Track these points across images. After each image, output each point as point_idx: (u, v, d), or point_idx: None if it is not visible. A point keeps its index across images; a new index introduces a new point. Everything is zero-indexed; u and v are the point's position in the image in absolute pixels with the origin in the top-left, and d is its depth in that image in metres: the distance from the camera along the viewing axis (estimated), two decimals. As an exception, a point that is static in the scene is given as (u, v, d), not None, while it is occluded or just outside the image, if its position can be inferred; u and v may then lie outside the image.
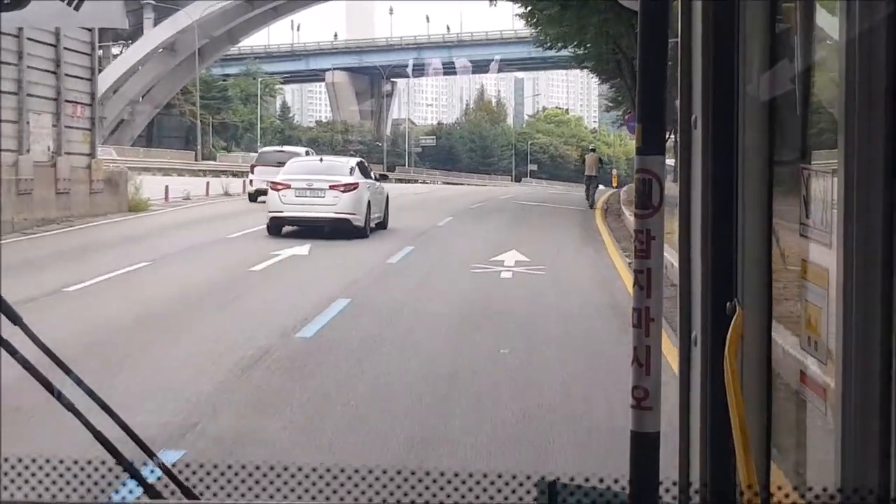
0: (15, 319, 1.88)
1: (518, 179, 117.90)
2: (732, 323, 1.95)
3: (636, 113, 1.99)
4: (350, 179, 22.85)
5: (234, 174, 71.14)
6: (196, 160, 77.54)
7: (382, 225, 24.47)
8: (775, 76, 1.99)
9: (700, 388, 2.00)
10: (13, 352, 1.82)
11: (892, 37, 1.70)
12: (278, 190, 22.51)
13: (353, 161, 25.40)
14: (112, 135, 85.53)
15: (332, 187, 22.39)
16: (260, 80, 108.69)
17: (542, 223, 29.30)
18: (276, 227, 22.23)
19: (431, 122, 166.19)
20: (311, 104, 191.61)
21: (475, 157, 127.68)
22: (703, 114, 1.96)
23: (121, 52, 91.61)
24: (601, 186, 44.26)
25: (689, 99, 1.99)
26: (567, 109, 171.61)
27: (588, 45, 41.61)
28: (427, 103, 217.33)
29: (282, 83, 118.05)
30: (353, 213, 22.29)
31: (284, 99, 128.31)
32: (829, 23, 1.96)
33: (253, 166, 34.30)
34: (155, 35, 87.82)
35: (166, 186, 34.13)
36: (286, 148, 38.25)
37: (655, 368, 2.01)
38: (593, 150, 42.51)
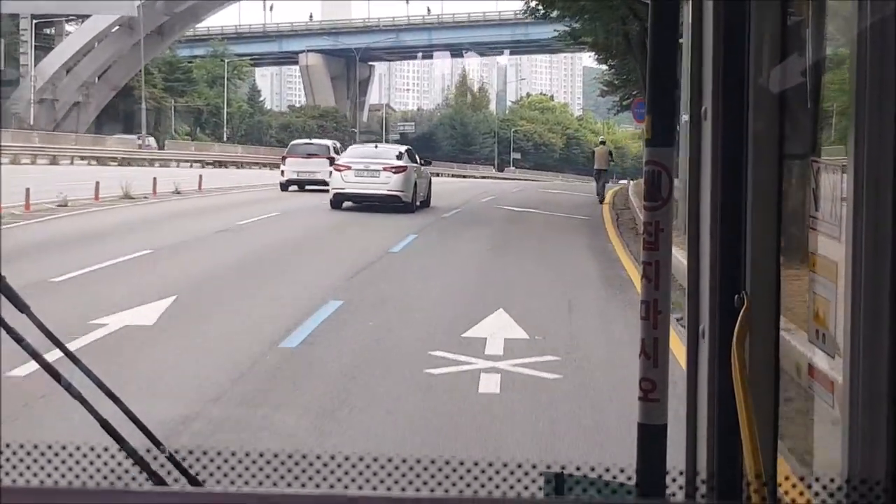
0: (22, 308, 1.96)
1: (501, 169, 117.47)
2: (740, 315, 2.05)
3: (646, 104, 2.08)
4: (400, 163, 28.98)
5: (205, 163, 69.09)
6: (142, 148, 73.51)
7: (426, 203, 30.36)
8: (786, 69, 2.08)
9: (707, 381, 2.09)
10: (20, 339, 1.90)
11: None
12: (340, 171, 28.82)
13: (403, 148, 31.58)
14: (65, 119, 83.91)
15: (385, 169, 28.47)
16: (227, 61, 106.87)
17: (542, 247, 21.20)
18: (338, 202, 28.57)
19: (412, 107, 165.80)
20: (290, 89, 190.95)
21: (456, 144, 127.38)
22: (713, 105, 2.05)
23: (74, 28, 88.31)
24: (624, 181, 43.65)
25: (700, 90, 2.07)
26: (552, 96, 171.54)
27: (596, 14, 36.39)
28: (406, 88, 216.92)
29: (251, 65, 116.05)
30: (402, 191, 28.38)
31: (255, 82, 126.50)
32: (840, 15, 2.05)
33: (284, 157, 38.51)
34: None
35: (27, 189, 24.15)
36: (314, 141, 43.42)
37: (663, 360, 2.10)
38: (603, 143, 41.26)
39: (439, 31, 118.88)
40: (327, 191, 29.94)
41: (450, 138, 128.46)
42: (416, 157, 31.07)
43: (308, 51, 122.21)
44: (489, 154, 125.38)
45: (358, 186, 28.53)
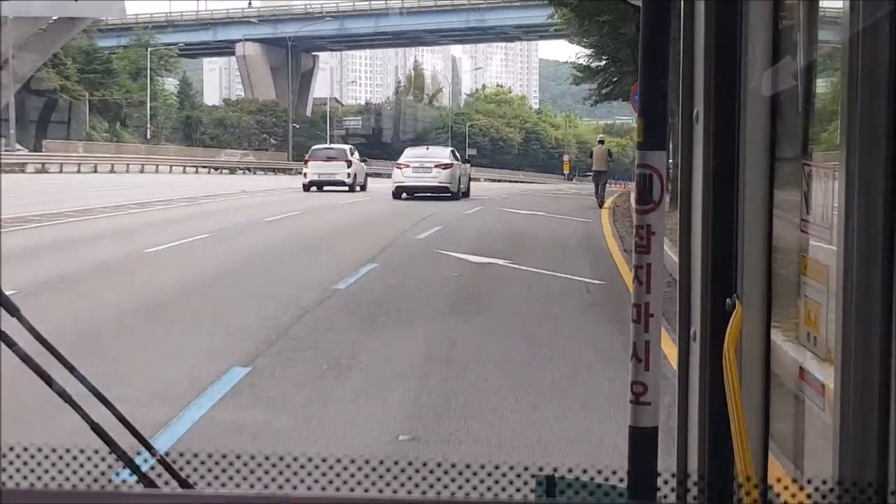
0: (12, 311, 2.08)
1: None
2: (732, 319, 2.20)
3: (638, 107, 2.23)
4: (447, 161, 40.82)
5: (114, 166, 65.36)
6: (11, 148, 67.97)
7: (466, 194, 42.04)
8: (778, 71, 2.23)
9: (699, 384, 2.24)
10: (11, 344, 2.02)
11: (895, 33, 1.94)
12: (401, 168, 40.75)
13: (449, 149, 44.74)
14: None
15: (436, 166, 40.09)
16: (151, 50, 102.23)
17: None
18: (399, 193, 39.83)
19: (364, 102, 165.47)
20: (239, 83, 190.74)
21: (406, 140, 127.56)
22: (704, 108, 2.20)
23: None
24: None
25: (691, 93, 2.23)
26: (509, 88, 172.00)
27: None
28: (352, 81, 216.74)
29: (180, 55, 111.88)
30: (450, 184, 40.06)
31: (185, 74, 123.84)
32: (832, 19, 2.21)
33: (307, 161, 47.56)
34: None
35: None
36: (334, 146, 54.28)
37: (655, 364, 2.25)
38: (601, 143, 40.21)
39: (387, 18, 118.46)
40: (346, 190, 43.61)
41: (401, 134, 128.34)
42: (458, 155, 42.83)
43: (245, 40, 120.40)
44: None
45: (415, 180, 39.81)
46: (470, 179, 43.64)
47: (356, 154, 48.72)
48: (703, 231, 2.23)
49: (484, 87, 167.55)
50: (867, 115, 1.96)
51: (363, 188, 46.50)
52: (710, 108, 2.20)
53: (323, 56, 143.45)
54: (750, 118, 2.20)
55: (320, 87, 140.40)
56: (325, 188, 45.64)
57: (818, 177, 2.16)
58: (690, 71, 2.23)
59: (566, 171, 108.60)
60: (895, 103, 1.92)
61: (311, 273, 16.92)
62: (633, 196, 32.62)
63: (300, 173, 51.34)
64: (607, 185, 39.30)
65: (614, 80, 47.68)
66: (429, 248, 21.77)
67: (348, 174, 45.28)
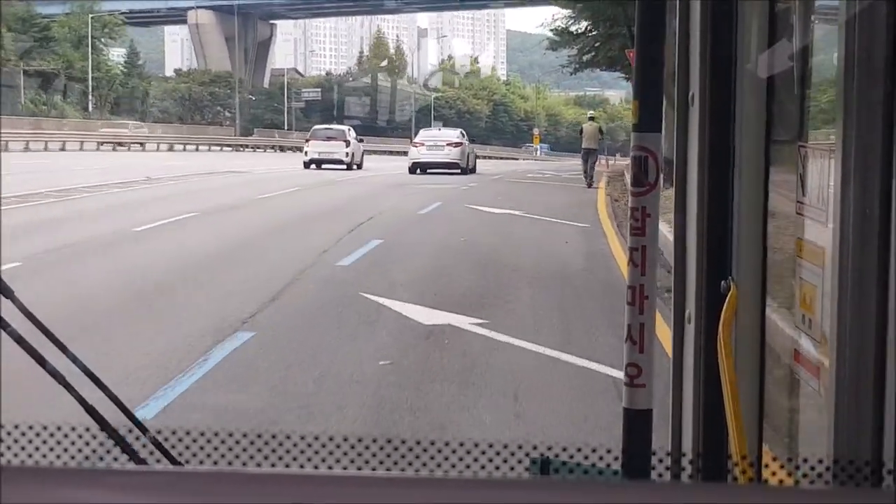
0: (6, 293, 2.16)
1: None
2: (727, 301, 2.30)
3: (633, 89, 2.32)
4: (457, 140, 47.63)
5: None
6: None
7: (473, 170, 48.22)
8: (774, 53, 2.32)
9: (693, 365, 2.34)
10: (4, 326, 2.10)
11: (892, 15, 2.03)
12: (416, 147, 47.15)
13: (459, 130, 51.24)
14: None
15: (447, 144, 46.64)
16: (94, 17, 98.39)
17: None
18: (415, 169, 45.58)
19: (326, 73, 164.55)
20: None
21: (370, 113, 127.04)
22: (700, 90, 2.29)
23: None
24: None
25: (687, 75, 2.32)
26: (476, 58, 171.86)
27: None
28: (311, 50, 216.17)
29: (126, 23, 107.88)
30: (459, 160, 46.33)
31: (132, 43, 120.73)
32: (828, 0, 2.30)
33: (308, 140, 52.91)
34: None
35: None
36: (333, 126, 58.35)
37: (649, 346, 2.35)
38: (592, 119, 39.63)
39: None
40: (344, 168, 48.83)
41: (363, 106, 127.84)
42: (465, 135, 50.26)
43: (197, 7, 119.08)
44: (408, 123, 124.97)
45: (429, 157, 46.24)
46: (476, 157, 51.24)
47: (353, 134, 53.92)
48: (698, 213, 2.32)
49: (450, 57, 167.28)
50: (863, 97, 2.04)
51: (360, 166, 51.50)
52: (706, 90, 2.29)
53: (286, 27, 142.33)
54: (746, 100, 2.29)
55: (284, 59, 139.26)
56: (323, 166, 50.44)
57: (814, 159, 2.25)
58: (686, 53, 2.32)
59: (536, 145, 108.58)
60: (892, 84, 2.01)
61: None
62: (627, 178, 33.07)
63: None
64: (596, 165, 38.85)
65: (597, 44, 45.76)
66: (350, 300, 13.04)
67: (346, 153, 50.84)
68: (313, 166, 50.34)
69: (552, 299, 13.46)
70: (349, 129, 54.85)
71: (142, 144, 76.70)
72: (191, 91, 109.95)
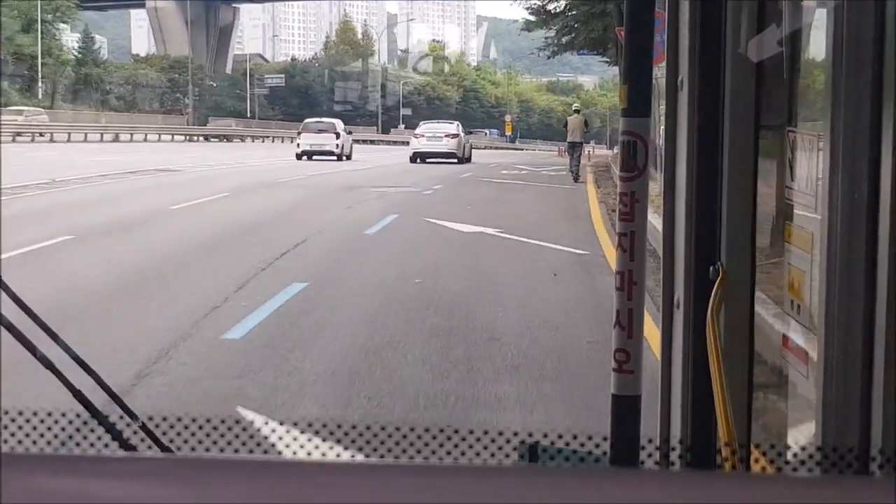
0: (-7, 278, 2.21)
1: (386, 130, 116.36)
2: (715, 286, 2.36)
3: (622, 74, 2.38)
4: (454, 132, 53.51)
5: None
6: None
7: (469, 159, 54.61)
8: (763, 39, 2.39)
9: (682, 351, 2.41)
10: None
11: (881, 0, 2.09)
12: (417, 138, 53.14)
13: (455, 123, 57.56)
14: None
15: (445, 136, 52.57)
16: (45, 1, 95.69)
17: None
18: (415, 158, 51.44)
19: (291, 58, 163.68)
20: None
21: (336, 99, 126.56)
22: (689, 75, 2.35)
23: None
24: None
25: (676, 60, 2.38)
26: (445, 44, 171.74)
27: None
28: (274, 34, 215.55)
29: (80, 6, 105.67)
30: (456, 150, 52.08)
31: (87, 27, 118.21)
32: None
33: (300, 133, 57.05)
34: None
35: None
36: (324, 119, 61.91)
37: (637, 331, 2.41)
38: (577, 112, 39.29)
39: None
40: (334, 159, 52.76)
41: (329, 92, 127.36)
42: (462, 128, 56.95)
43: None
44: (376, 110, 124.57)
45: (428, 147, 52.28)
46: (471, 147, 59.02)
47: (342, 126, 58.67)
48: (686, 199, 2.38)
49: (419, 42, 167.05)
50: (852, 83, 2.11)
51: (349, 157, 55.50)
52: (695, 74, 2.35)
53: (254, 11, 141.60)
54: (735, 85, 2.36)
55: (251, 44, 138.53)
56: (315, 157, 53.70)
57: (802, 144, 2.32)
58: (675, 37, 2.38)
59: (508, 133, 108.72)
60: (880, 70, 2.07)
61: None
62: (614, 169, 33.41)
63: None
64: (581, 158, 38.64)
65: (576, 24, 44.70)
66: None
67: (336, 145, 54.80)
68: (305, 158, 54.00)
69: (554, 409, 8.32)
70: (339, 122, 59.36)
71: (43, 134, 69.47)
72: (148, 77, 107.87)
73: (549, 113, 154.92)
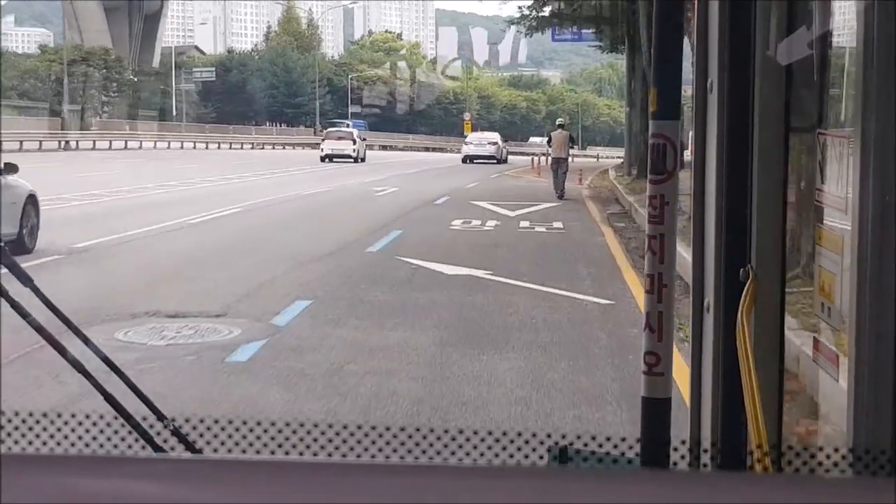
0: (26, 281, 2.43)
1: (319, 132, 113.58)
2: (746, 289, 2.61)
3: (651, 77, 2.62)
4: (495, 141, 79.86)
5: None
6: None
7: (505, 160, 78.12)
8: (792, 41, 2.63)
9: (712, 354, 2.65)
10: (25, 314, 2.36)
11: None
12: (468, 144, 79.43)
13: (496, 134, 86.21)
14: None
15: (488, 143, 78.39)
16: None
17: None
18: (465, 160, 75.43)
19: (227, 50, 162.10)
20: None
21: (278, 96, 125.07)
22: (718, 77, 2.60)
23: None
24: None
25: (706, 62, 2.62)
26: (399, 34, 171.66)
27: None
28: (202, 22, 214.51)
29: None
30: (496, 154, 77.05)
31: None
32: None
33: (323, 139, 76.63)
34: None
35: None
36: (342, 129, 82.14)
37: (668, 334, 2.65)
38: (562, 127, 39.72)
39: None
40: (354, 161, 70.06)
41: (270, 88, 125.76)
42: (501, 137, 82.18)
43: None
44: (321, 107, 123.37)
45: (475, 151, 75.70)
46: (509, 153, 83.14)
47: (357, 133, 78.37)
48: (716, 201, 2.62)
49: (370, 32, 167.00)
50: (883, 84, 2.32)
51: (363, 160, 72.84)
52: (725, 77, 2.59)
53: (205, 4, 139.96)
54: (764, 87, 2.59)
55: (202, 40, 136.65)
56: (335, 160, 69.83)
57: (833, 146, 2.56)
58: (705, 40, 2.62)
59: (468, 131, 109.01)
60: None
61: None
62: (612, 181, 33.39)
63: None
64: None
65: None
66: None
67: (353, 149, 72.49)
68: (327, 160, 70.30)
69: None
70: (355, 131, 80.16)
71: None
72: (51, 70, 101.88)
73: (513, 109, 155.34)
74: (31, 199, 19.24)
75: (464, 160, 76.01)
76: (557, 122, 41.20)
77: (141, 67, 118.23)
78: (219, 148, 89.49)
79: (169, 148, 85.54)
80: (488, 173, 57.77)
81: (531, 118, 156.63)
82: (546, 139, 41.11)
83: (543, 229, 26.62)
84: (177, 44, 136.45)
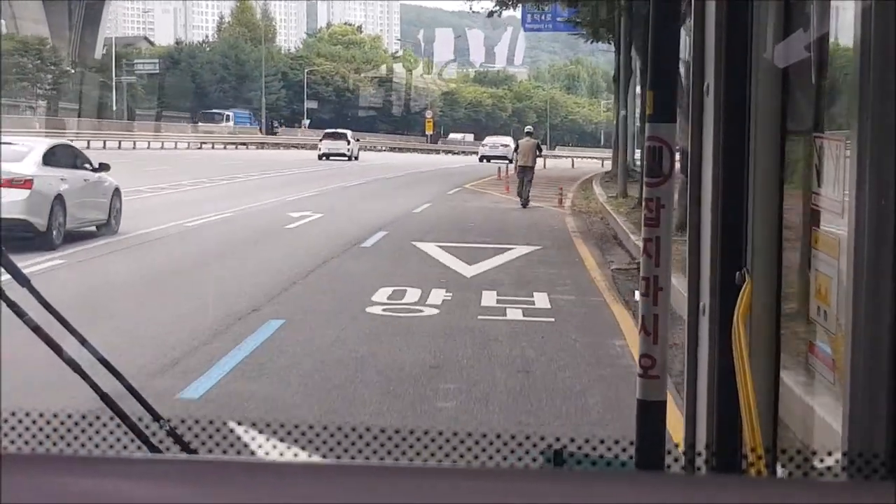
0: (23, 281, 2.55)
1: (271, 129, 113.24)
2: (742, 292, 2.74)
3: (648, 80, 2.76)
4: (508, 143, 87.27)
5: None
6: None
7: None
8: (789, 44, 2.76)
9: (708, 357, 2.78)
10: (21, 314, 2.48)
11: None
12: (484, 146, 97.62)
13: (510, 137, 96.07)
14: None
15: (501, 145, 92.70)
16: None
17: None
18: (482, 159, 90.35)
19: (175, 41, 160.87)
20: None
21: (228, 91, 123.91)
22: (715, 81, 2.73)
23: None
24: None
25: (702, 65, 2.75)
26: (360, 26, 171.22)
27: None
28: (163, 10, 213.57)
29: None
30: (508, 155, 73.64)
31: None
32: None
33: (321, 139, 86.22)
34: None
35: None
36: (339, 130, 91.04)
37: (663, 337, 2.78)
38: (530, 135, 41.05)
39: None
40: (348, 159, 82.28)
41: (220, 82, 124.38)
42: (514, 139, 73.87)
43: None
44: (276, 103, 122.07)
45: (490, 152, 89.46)
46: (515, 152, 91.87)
47: (351, 135, 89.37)
48: (713, 205, 2.75)
49: (329, 24, 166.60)
50: (879, 88, 2.43)
51: (357, 158, 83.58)
52: (721, 80, 2.72)
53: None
54: (761, 91, 2.72)
55: (162, 34, 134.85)
56: (331, 158, 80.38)
57: (829, 150, 2.70)
58: (701, 43, 2.75)
59: (429, 132, 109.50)
60: None
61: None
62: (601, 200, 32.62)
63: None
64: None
65: None
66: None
67: (348, 149, 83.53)
68: (324, 158, 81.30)
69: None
70: (349, 132, 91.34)
71: None
72: None
73: (477, 107, 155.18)
74: (117, 192, 25.15)
75: (480, 159, 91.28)
76: (526, 130, 42.16)
77: (81, 58, 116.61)
78: (158, 147, 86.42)
79: (105, 148, 75.66)
80: (446, 188, 48.82)
81: (497, 116, 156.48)
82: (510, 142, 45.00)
83: (519, 314, 16.04)
84: (134, 34, 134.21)
